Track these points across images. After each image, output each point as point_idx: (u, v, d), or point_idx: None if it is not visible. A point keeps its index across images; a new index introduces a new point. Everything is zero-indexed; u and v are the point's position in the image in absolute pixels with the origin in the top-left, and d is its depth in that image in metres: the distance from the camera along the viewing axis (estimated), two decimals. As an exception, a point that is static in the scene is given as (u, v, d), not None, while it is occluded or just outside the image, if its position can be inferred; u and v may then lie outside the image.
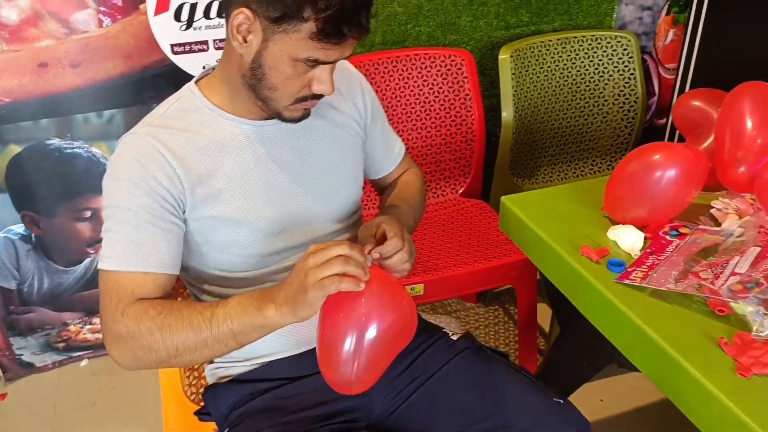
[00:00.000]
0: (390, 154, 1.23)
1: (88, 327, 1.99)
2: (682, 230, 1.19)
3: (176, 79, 1.72)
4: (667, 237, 1.17)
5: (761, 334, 0.94)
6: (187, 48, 1.70)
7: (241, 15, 0.89)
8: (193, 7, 1.66)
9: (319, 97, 0.97)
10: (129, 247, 0.94)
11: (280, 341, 1.07)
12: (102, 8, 1.60)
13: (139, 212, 0.94)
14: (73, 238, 1.84)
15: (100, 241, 1.81)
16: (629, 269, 1.10)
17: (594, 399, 1.81)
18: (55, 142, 1.72)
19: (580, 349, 1.44)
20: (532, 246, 1.26)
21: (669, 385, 0.96)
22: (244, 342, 0.91)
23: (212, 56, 1.73)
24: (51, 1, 1.55)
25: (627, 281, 1.07)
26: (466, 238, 1.78)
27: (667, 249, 1.14)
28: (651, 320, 1.00)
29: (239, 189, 1.00)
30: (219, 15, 1.69)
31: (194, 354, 0.91)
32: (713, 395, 0.87)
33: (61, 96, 1.66)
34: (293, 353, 1.09)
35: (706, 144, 1.31)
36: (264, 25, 0.88)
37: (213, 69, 1.05)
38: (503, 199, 1.32)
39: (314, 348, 1.04)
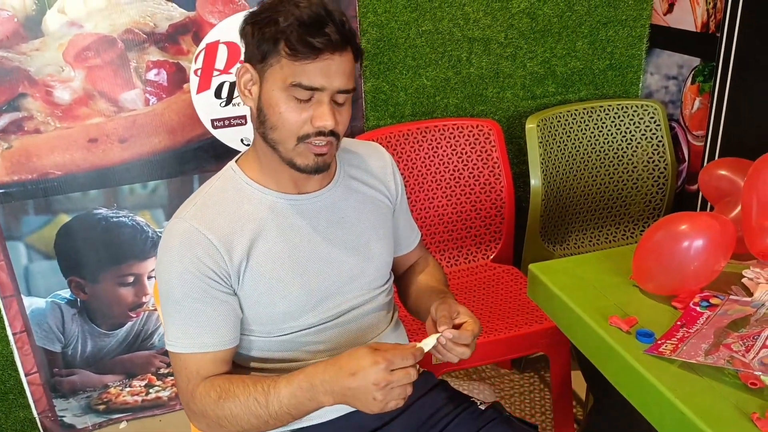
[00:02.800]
0: (410, 235, 1.28)
1: (127, 389, 2.03)
2: (713, 301, 1.18)
3: (216, 151, 1.81)
4: (698, 309, 1.16)
5: (795, 410, 0.92)
6: (227, 123, 1.80)
7: (244, 70, 1.00)
8: (232, 85, 1.76)
9: (323, 134, 0.97)
10: (187, 332, 1.01)
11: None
12: (149, 88, 1.71)
13: (192, 297, 1.00)
14: (116, 303, 1.91)
15: (141, 305, 1.92)
16: (659, 341, 1.09)
17: (633, 472, 1.75)
18: (103, 211, 1.81)
19: (615, 420, 1.41)
20: (561, 314, 1.26)
21: (702, 461, 0.95)
22: (302, 416, 0.99)
23: (249, 129, 1.81)
24: (101, 82, 1.67)
25: (656, 353, 1.06)
26: (496, 305, 1.79)
27: (697, 321, 1.13)
28: (682, 393, 0.99)
29: (278, 262, 1.05)
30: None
31: (260, 428, 0.99)
32: (746, 473, 0.85)
33: (108, 169, 1.76)
34: (322, 421, 1.11)
35: (734, 213, 1.32)
36: (258, 70, 0.98)
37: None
38: (531, 267, 1.34)
39: (342, 415, 1.07)
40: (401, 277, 1.29)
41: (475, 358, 1.65)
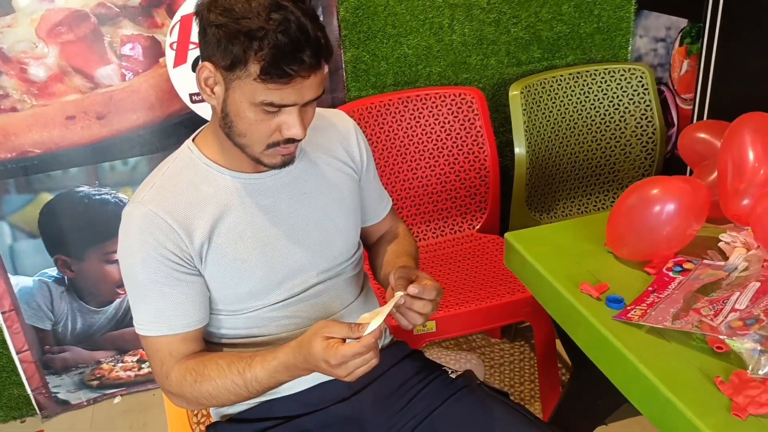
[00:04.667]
0: (379, 205, 1.25)
1: (120, 365, 2.05)
2: (686, 266, 1.17)
3: (195, 126, 1.72)
4: (671, 273, 1.15)
5: (758, 373, 0.91)
6: (205, 96, 1.78)
7: (205, 69, 0.94)
8: (209, 58, 1.74)
9: (292, 141, 0.97)
10: (155, 315, 1.01)
11: None
12: (124, 63, 1.70)
13: (157, 281, 0.99)
14: (103, 280, 1.92)
15: (128, 282, 1.92)
16: (629, 307, 1.08)
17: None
18: (84, 189, 1.81)
19: (594, 386, 1.41)
20: (534, 282, 1.26)
21: (665, 425, 0.94)
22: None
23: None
24: (76, 58, 1.65)
25: (624, 319, 1.06)
26: (481, 274, 1.78)
27: (669, 286, 1.12)
28: (647, 358, 0.98)
29: (240, 243, 1.04)
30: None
31: (239, 401, 1.04)
32: (706, 436, 0.85)
33: (88, 146, 1.75)
34: (295, 391, 1.11)
35: (712, 177, 1.29)
36: (223, 74, 0.92)
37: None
38: (507, 235, 1.33)
39: (315, 386, 1.07)
40: (371, 247, 1.28)
41: (457, 327, 1.66)
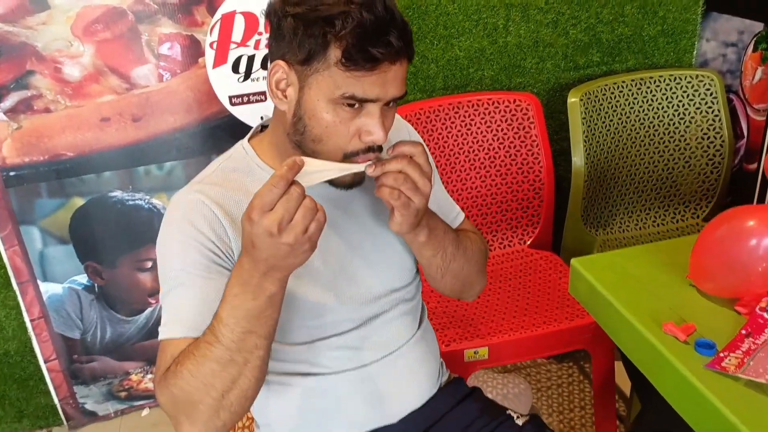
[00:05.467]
0: (447, 218, 1.11)
1: (149, 376, 1.99)
2: (784, 305, 1.04)
3: (234, 130, 1.71)
4: (765, 315, 1.03)
5: None
6: (245, 99, 1.69)
7: (278, 68, 0.86)
8: (251, 59, 1.65)
9: (371, 150, 0.87)
10: (177, 313, 0.89)
11: (332, 423, 1.01)
12: (162, 63, 1.62)
13: (191, 272, 0.89)
14: (134, 289, 1.85)
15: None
16: (722, 354, 0.96)
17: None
18: (118, 194, 1.74)
19: (664, 429, 1.29)
20: (607, 316, 1.14)
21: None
22: (267, 329, 0.83)
23: (270, 107, 1.70)
24: (112, 57, 1.58)
25: (718, 369, 0.94)
26: (534, 295, 1.67)
27: (765, 330, 1.00)
28: (748, 417, 0.86)
29: None
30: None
31: (234, 380, 0.83)
32: None
33: (122, 149, 1.68)
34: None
35: (808, 202, 1.17)
36: (298, 72, 0.85)
37: (265, 126, 1.02)
38: (573, 261, 1.21)
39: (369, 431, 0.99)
40: None
41: (511, 354, 1.55)
